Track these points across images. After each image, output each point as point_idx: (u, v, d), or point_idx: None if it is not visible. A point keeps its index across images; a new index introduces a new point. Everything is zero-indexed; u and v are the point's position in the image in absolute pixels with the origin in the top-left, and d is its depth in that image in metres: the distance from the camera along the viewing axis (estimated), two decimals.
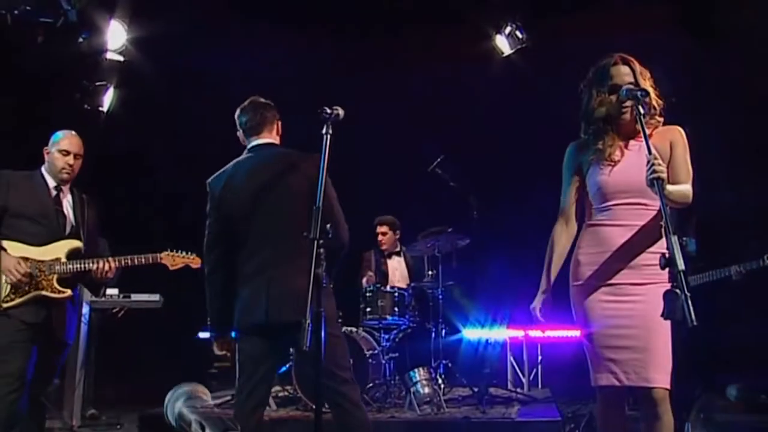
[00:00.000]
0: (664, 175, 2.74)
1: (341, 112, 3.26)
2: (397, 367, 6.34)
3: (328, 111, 3.07)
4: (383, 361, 6.12)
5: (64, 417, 6.21)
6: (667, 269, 2.55)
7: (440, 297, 6.32)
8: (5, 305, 3.82)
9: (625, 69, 3.09)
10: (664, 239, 3.04)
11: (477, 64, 7.80)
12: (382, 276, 6.95)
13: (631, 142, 3.13)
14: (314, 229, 2.86)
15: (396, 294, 6.26)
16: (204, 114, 6.77)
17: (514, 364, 7.47)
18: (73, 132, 4.18)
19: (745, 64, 6.52)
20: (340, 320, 6.40)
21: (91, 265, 3.98)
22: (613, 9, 7.25)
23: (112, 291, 6.55)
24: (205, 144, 6.44)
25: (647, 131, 3.04)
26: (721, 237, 6.04)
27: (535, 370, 7.46)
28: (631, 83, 3.02)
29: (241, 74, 6.70)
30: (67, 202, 4.12)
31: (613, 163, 3.09)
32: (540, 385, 7.41)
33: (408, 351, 6.63)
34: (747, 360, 6.10)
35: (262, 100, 3.69)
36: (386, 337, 6.30)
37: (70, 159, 4.10)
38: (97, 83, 7.02)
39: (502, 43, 7.84)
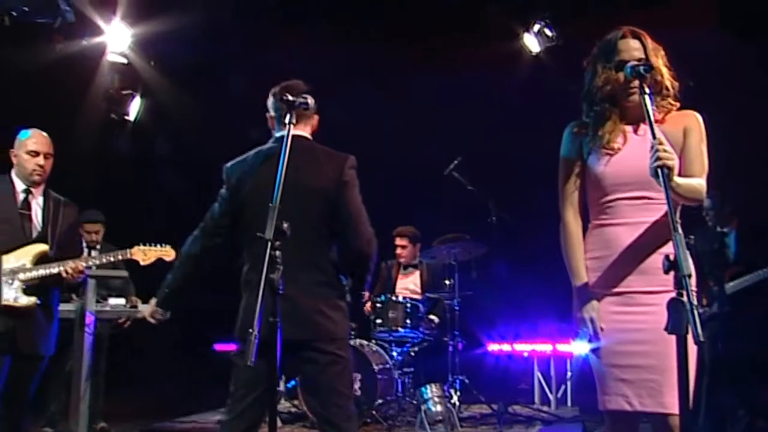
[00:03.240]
0: (672, 163, 2.33)
1: (310, 101, 2.94)
2: (413, 382, 5.99)
3: (291, 98, 2.73)
4: (396, 377, 5.75)
5: (71, 430, 6.03)
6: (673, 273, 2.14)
7: (457, 308, 5.92)
8: None
9: (635, 43, 2.67)
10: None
11: (504, 64, 7.43)
12: (389, 289, 6.58)
13: (641, 127, 2.71)
14: (269, 228, 2.52)
15: (408, 305, 5.89)
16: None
17: (541, 379, 7.00)
18: (39, 130, 3.93)
19: None
20: (353, 333, 6.15)
21: (56, 269, 3.72)
22: (650, 5, 6.81)
23: (117, 301, 6.36)
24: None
25: (658, 115, 2.67)
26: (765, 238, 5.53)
27: (563, 387, 6.97)
28: (640, 59, 2.60)
29: (265, 76, 6.47)
30: (36, 205, 3.89)
31: (612, 152, 2.67)
32: (569, 403, 6.93)
33: (424, 365, 6.26)
34: None
35: (305, 86, 3.20)
36: (398, 350, 5.94)
37: (40, 159, 3.87)
38: (123, 92, 6.89)
39: (531, 42, 7.48)
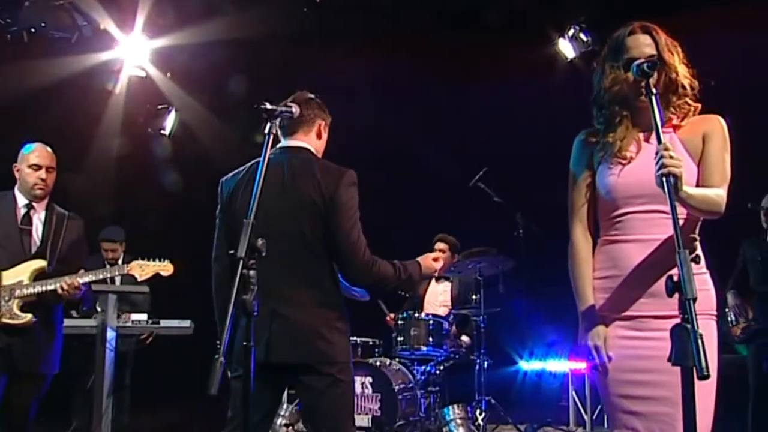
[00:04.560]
0: (678, 171, 2.08)
1: (295, 109, 2.77)
2: (439, 402, 5.75)
3: (270, 106, 2.56)
4: (419, 396, 5.53)
5: None
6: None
7: (483, 325, 5.67)
8: None
9: (645, 38, 2.40)
10: (697, 256, 2.37)
11: (538, 71, 7.17)
12: (417, 300, 6.36)
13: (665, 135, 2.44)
14: (242, 246, 2.34)
15: (431, 322, 5.65)
16: None
17: (576, 399, 6.67)
18: (43, 144, 3.87)
19: None
20: (377, 351, 5.96)
21: (52, 286, 3.64)
22: (692, 9, 6.46)
23: (140, 316, 6.29)
24: None
25: (675, 119, 2.42)
26: None
27: (599, 407, 6.62)
28: (651, 56, 2.35)
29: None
30: (38, 220, 3.83)
31: (625, 161, 2.42)
32: (606, 424, 6.57)
33: (450, 385, 6.01)
34: None
35: (309, 95, 3.10)
36: (421, 369, 5.71)
37: (42, 173, 3.81)
38: (159, 106, 6.89)
39: (566, 47, 7.20)
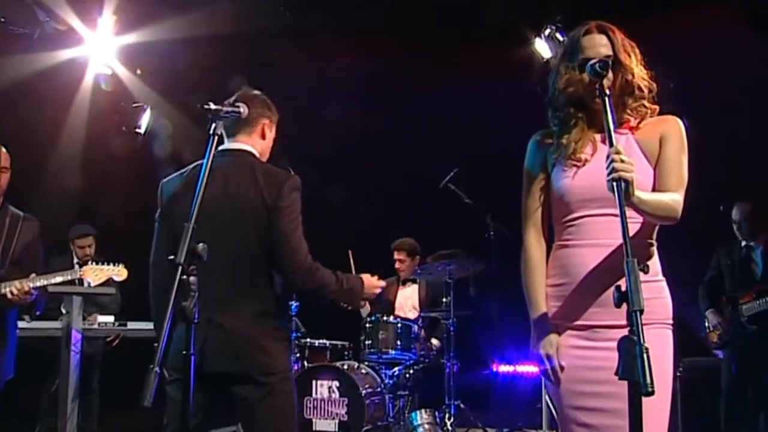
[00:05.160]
0: (629, 176, 2.01)
1: (243, 109, 2.68)
2: (409, 407, 5.70)
3: (214, 106, 2.47)
4: (387, 401, 5.45)
5: None
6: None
7: (452, 329, 5.60)
8: None
9: (601, 38, 2.32)
10: (653, 262, 2.31)
11: (512, 71, 7.09)
12: (387, 304, 6.29)
13: (620, 137, 2.37)
14: (180, 251, 2.24)
15: (399, 325, 5.59)
16: None
17: (549, 403, 6.61)
18: None
19: None
20: (346, 354, 5.87)
21: (3, 289, 3.53)
22: (672, 9, 6.42)
23: (106, 318, 6.18)
24: None
25: (632, 121, 2.35)
26: None
27: None
28: (607, 56, 2.27)
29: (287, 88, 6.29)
30: None
31: (579, 163, 2.34)
32: None
33: (422, 389, 5.96)
34: None
35: (254, 93, 2.96)
36: (389, 373, 5.63)
37: None
38: (134, 104, 6.75)
39: (542, 47, 7.11)
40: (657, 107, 2.40)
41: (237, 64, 6.15)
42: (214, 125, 2.46)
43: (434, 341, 6.08)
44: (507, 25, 6.88)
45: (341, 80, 6.74)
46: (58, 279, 3.67)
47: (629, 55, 2.33)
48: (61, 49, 5.59)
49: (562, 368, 2.29)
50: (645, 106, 2.37)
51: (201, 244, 2.28)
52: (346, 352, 5.96)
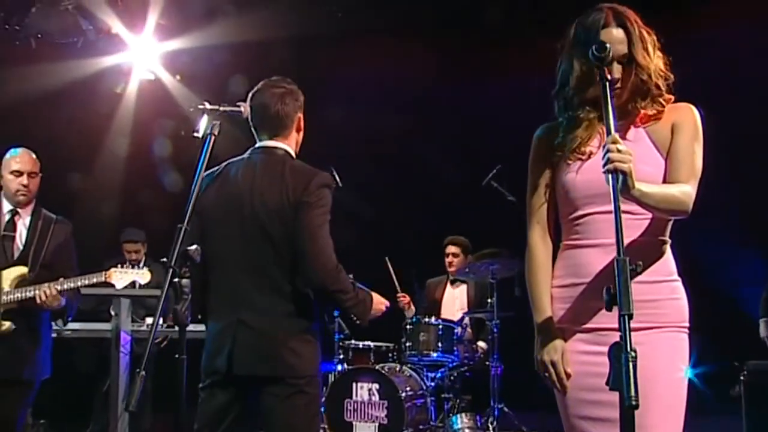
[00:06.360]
0: (626, 166, 1.87)
1: (244, 109, 2.65)
2: (456, 410, 5.56)
3: (210, 106, 2.44)
4: (429, 404, 5.35)
5: None
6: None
7: (496, 330, 5.45)
8: None
9: (619, 33, 2.12)
10: (665, 261, 2.15)
11: (546, 64, 6.88)
12: (433, 305, 6.17)
13: (622, 126, 2.20)
14: (172, 254, 2.22)
15: (440, 327, 5.46)
16: None
17: None
18: (25, 149, 3.84)
19: None
20: (390, 356, 5.78)
21: (30, 293, 3.59)
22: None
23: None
24: None
25: (651, 114, 2.18)
26: None
27: None
28: (624, 55, 2.11)
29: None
30: (22, 225, 3.79)
31: (584, 156, 2.19)
32: None
33: (469, 392, 5.82)
34: None
35: (284, 86, 2.84)
36: (430, 375, 5.52)
37: (24, 179, 3.76)
38: (191, 108, 6.87)
39: None
40: (672, 97, 2.22)
41: (277, 69, 6.17)
42: (211, 126, 2.42)
43: (481, 343, 5.94)
44: (538, 18, 6.68)
45: (383, 83, 6.69)
46: (85, 282, 3.71)
47: (646, 52, 2.14)
48: (105, 56, 5.70)
49: (568, 375, 2.15)
50: (660, 102, 2.19)
51: (194, 246, 2.26)
52: (390, 354, 5.88)
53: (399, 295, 6.04)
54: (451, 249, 6.20)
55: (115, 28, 5.74)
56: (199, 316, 2.83)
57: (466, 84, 6.72)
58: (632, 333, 1.96)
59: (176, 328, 6.07)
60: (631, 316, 1.63)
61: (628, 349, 1.58)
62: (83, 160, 6.10)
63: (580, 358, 2.16)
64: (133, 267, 3.91)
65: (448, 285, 6.37)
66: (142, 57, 5.90)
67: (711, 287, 5.99)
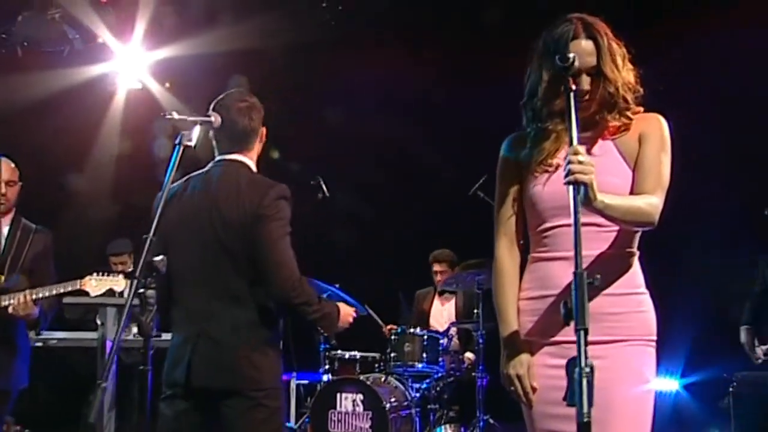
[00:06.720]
0: (587, 177, 1.86)
1: (215, 119, 2.64)
2: (443, 420, 5.55)
3: (177, 116, 2.42)
4: (414, 415, 5.31)
5: None
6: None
7: (481, 341, 5.42)
8: None
9: (588, 45, 2.11)
10: (632, 274, 2.14)
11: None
12: (421, 316, 6.14)
13: (590, 137, 2.18)
14: (137, 265, 2.21)
15: (426, 337, 5.43)
16: None
17: None
18: (4, 158, 3.83)
19: None
20: (377, 366, 5.76)
21: (5, 302, 3.58)
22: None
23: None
24: None
25: (619, 126, 2.18)
26: None
27: None
28: (593, 68, 2.10)
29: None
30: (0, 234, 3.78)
31: (551, 168, 2.18)
32: None
33: (456, 403, 5.79)
34: None
35: (248, 99, 2.84)
36: (416, 386, 5.49)
37: (2, 188, 3.76)
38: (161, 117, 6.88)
39: None
40: (641, 109, 2.21)
41: (268, 78, 6.17)
42: (179, 137, 2.41)
43: (469, 354, 5.91)
44: (531, 25, 6.68)
45: (374, 92, 6.68)
46: (60, 290, 3.70)
47: (615, 64, 2.13)
48: (92, 64, 5.70)
49: (534, 389, 2.14)
50: (627, 116, 2.18)
51: (160, 257, 2.25)
52: (376, 365, 5.85)
53: (388, 327, 5.99)
54: (437, 267, 6.20)
55: (103, 36, 5.73)
56: None
57: (465, 88, 6.72)
58: (596, 346, 1.98)
59: (161, 337, 6.08)
60: (586, 331, 1.61)
61: (583, 364, 1.56)
62: (71, 168, 6.07)
63: (546, 372, 2.14)
64: (108, 274, 3.88)
65: (436, 296, 6.36)
66: (129, 66, 5.90)
67: (700, 297, 5.97)
